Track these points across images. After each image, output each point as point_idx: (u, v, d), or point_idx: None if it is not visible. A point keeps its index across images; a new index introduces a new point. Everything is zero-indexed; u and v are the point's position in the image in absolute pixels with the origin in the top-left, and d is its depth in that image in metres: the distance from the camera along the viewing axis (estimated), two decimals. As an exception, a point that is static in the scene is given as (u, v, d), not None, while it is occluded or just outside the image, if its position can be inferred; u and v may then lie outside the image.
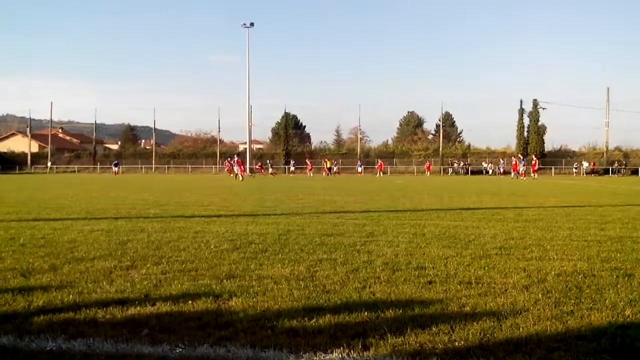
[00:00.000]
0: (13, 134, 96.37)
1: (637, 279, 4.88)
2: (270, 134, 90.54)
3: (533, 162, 49.27)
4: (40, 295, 4.27)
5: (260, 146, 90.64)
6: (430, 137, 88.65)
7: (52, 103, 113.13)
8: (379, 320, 3.64)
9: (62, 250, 6.36)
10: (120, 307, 3.95)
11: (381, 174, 58.43)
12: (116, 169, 63.99)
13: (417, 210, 12.02)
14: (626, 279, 4.89)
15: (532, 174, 46.53)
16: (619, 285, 4.63)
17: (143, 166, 76.93)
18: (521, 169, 47.75)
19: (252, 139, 79.15)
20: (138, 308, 3.93)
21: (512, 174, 48.56)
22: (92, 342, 3.21)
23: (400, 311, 3.82)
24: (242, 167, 41.08)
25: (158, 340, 3.26)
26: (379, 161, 62.43)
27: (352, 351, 3.08)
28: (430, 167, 64.86)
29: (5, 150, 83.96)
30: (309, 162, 60.76)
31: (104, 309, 3.89)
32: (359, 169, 62.09)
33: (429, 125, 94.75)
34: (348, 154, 76.55)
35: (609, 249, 6.55)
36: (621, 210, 12.05)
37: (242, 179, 37.02)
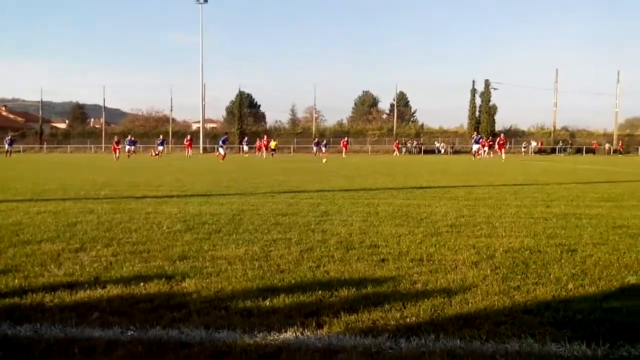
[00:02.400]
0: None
1: (579, 254, 5.08)
2: (224, 113, 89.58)
3: (500, 141, 45.98)
4: (-17, 280, 4.11)
5: (215, 125, 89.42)
6: (384, 116, 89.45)
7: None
8: (332, 298, 3.68)
9: (6, 233, 6.13)
10: (69, 290, 3.85)
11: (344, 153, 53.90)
12: (9, 147, 49.17)
13: (371, 190, 12.14)
14: (570, 254, 5.08)
15: (499, 153, 44.15)
16: (563, 261, 4.81)
17: (92, 146, 74.86)
18: (474, 147, 45.66)
19: (206, 118, 78.06)
20: (88, 291, 3.85)
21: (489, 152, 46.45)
22: (39, 327, 3.12)
23: (354, 289, 3.86)
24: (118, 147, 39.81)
25: (109, 323, 3.20)
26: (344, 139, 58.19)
27: (306, 330, 3.10)
28: (399, 146, 64.22)
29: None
30: (259, 141, 55.90)
31: (52, 293, 3.79)
32: (323, 149, 56.05)
33: (384, 105, 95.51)
34: (303, 133, 76.44)
35: (554, 225, 6.78)
36: (566, 189, 12.48)
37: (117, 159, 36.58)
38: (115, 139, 40.90)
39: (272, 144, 53.85)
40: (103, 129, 79.17)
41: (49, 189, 12.12)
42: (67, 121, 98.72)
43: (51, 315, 3.34)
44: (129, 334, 3.04)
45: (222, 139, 40.77)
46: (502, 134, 50.97)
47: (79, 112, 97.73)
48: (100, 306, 3.52)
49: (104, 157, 37.76)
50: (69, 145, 74.22)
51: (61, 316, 3.31)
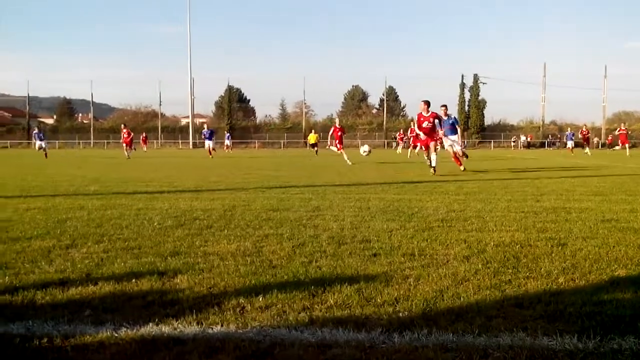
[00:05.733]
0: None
1: (569, 248, 5.12)
2: (213, 108, 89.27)
3: (620, 132, 37.37)
4: (-27, 277, 4.08)
5: (204, 120, 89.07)
6: (374, 111, 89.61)
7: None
8: (325, 293, 3.68)
9: (-4, 230, 6.08)
10: (61, 287, 3.83)
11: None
12: None
13: (361, 184, 12.16)
14: (560, 248, 5.12)
15: (622, 146, 36.64)
16: (553, 255, 4.84)
17: (81, 141, 74.46)
18: (569, 143, 42.91)
19: (195, 112, 77.80)
20: (79, 288, 3.83)
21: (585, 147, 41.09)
22: (31, 325, 3.10)
23: (346, 284, 3.87)
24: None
25: (101, 320, 3.18)
26: (400, 132, 48.23)
27: (299, 325, 3.10)
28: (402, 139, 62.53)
29: None
30: (228, 142, 48.95)
31: (44, 290, 3.76)
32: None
33: (373, 100, 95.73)
34: (293, 128, 76.42)
35: (545, 219, 6.83)
36: (556, 182, 12.57)
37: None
38: (125, 130, 35.71)
39: (313, 137, 42.49)
40: (92, 124, 78.78)
41: (37, 185, 12.04)
42: (54, 116, 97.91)
43: (43, 312, 3.32)
44: (122, 330, 3.03)
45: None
46: (622, 125, 39.69)
47: (66, 107, 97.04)
48: (93, 303, 3.50)
49: (93, 152, 37.36)
50: (57, 141, 73.72)
51: (53, 313, 3.30)
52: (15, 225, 6.44)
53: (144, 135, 57.31)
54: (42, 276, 4.15)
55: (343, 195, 9.72)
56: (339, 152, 23.69)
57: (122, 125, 38.69)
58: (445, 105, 17.00)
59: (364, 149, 15.77)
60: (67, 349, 2.79)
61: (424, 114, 15.99)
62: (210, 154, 33.41)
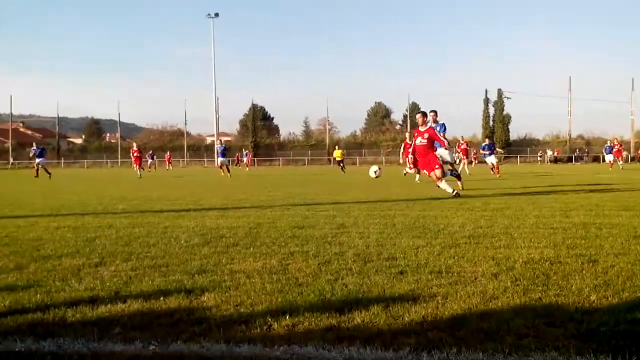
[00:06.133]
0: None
1: (601, 264, 5.01)
2: (238, 126, 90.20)
3: (615, 147, 38.74)
4: (6, 295, 4.16)
5: (229, 138, 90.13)
6: (397, 127, 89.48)
7: (11, 96, 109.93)
8: (352, 311, 3.66)
9: (27, 249, 6.21)
10: (90, 305, 3.88)
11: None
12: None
13: (386, 201, 12.10)
14: (591, 265, 5.02)
15: (618, 162, 38.28)
16: (584, 272, 4.75)
17: (109, 160, 75.74)
18: (608, 157, 39.03)
19: (220, 131, 78.62)
20: (109, 306, 3.87)
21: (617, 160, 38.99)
22: (62, 342, 3.14)
23: (373, 302, 3.84)
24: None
25: (130, 338, 3.21)
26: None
27: (326, 344, 3.09)
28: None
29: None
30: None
31: (74, 307, 3.82)
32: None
33: (397, 116, 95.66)
34: (317, 145, 76.68)
35: (574, 235, 6.70)
36: (585, 198, 12.35)
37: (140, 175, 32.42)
38: (135, 147, 35.27)
39: (338, 153, 39.86)
40: (119, 143, 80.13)
41: (67, 204, 12.26)
42: (83, 136, 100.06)
43: (73, 330, 3.37)
44: (151, 348, 3.05)
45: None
46: (615, 140, 41.96)
47: (94, 128, 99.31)
48: (122, 321, 3.54)
49: (120, 171, 37.90)
50: (85, 160, 75.20)
51: (83, 331, 3.34)
52: (46, 243, 6.57)
53: (168, 154, 58.73)
54: (72, 294, 4.21)
55: (368, 212, 9.69)
56: (412, 170, 21.17)
57: (133, 144, 37.99)
58: (434, 111, 15.10)
59: (374, 169, 13.55)
60: (97, 367, 2.82)
61: (421, 129, 13.25)
62: (223, 171, 31.66)
